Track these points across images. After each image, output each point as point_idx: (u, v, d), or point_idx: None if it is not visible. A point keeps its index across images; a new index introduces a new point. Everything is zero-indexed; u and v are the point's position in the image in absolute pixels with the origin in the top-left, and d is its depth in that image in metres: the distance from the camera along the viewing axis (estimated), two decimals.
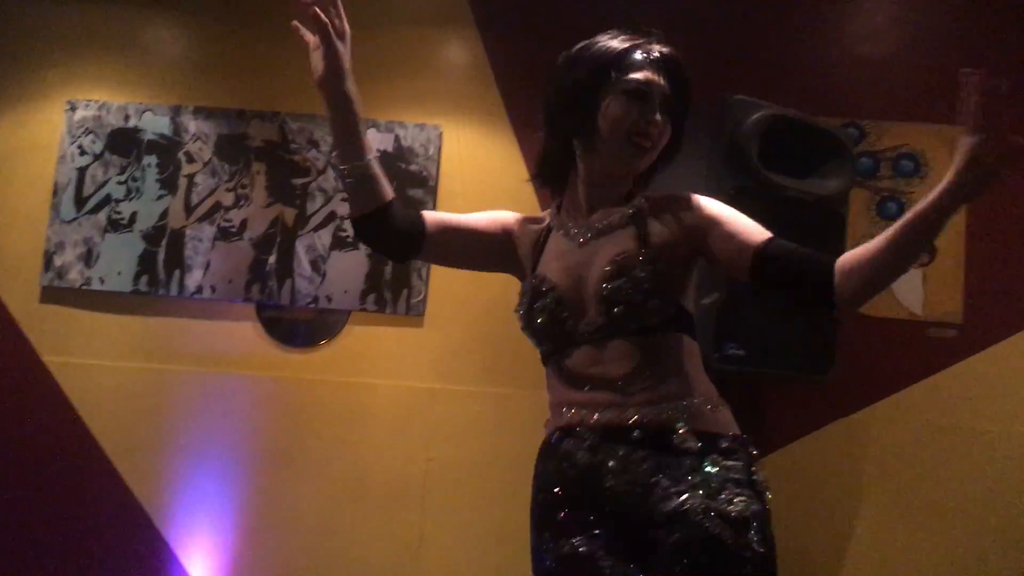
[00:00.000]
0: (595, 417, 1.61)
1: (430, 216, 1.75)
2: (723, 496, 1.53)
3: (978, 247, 3.53)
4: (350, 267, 3.64)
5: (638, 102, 1.64)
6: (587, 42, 1.75)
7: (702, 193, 1.77)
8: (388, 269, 3.62)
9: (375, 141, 3.67)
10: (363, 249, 3.63)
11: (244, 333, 3.67)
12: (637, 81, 1.65)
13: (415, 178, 3.67)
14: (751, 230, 1.66)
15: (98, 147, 3.75)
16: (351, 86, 1.73)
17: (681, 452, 1.56)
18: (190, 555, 3.55)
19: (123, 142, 3.75)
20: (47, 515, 3.58)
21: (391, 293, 3.62)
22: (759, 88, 3.07)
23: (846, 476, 3.48)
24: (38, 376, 3.64)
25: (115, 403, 3.65)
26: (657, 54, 1.69)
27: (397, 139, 3.69)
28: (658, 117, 1.65)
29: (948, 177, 1.35)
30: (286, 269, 3.65)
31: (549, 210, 1.84)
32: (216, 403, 3.63)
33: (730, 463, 1.57)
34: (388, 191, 1.70)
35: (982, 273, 3.51)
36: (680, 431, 1.57)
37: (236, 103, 3.75)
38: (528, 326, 1.69)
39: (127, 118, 3.76)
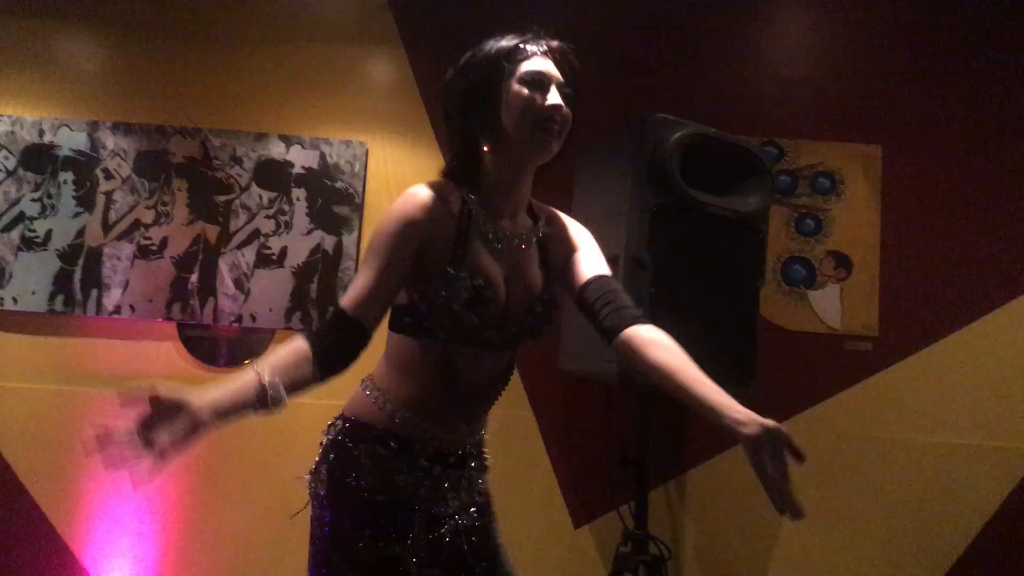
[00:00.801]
0: (448, 442, 1.78)
1: (362, 310, 1.65)
2: (476, 497, 1.82)
3: (892, 262, 3.65)
4: (274, 285, 3.59)
5: (538, 91, 1.70)
6: (475, 48, 1.80)
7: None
8: (313, 287, 3.58)
9: (300, 158, 3.64)
10: (288, 267, 3.59)
11: (165, 353, 3.58)
12: (534, 71, 1.71)
13: (341, 195, 3.64)
14: (595, 262, 1.86)
15: (11, 163, 3.64)
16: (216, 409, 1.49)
17: (468, 463, 1.82)
18: None
19: (37, 158, 3.64)
20: None
21: (317, 311, 3.58)
22: (680, 107, 3.12)
23: None
24: None
25: (29, 426, 3.52)
26: (546, 47, 1.75)
27: (323, 156, 3.66)
28: (560, 102, 1.70)
29: (742, 430, 1.56)
30: (209, 287, 3.58)
31: (448, 185, 1.77)
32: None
33: (479, 473, 1.86)
34: (306, 370, 1.64)
35: (896, 288, 3.63)
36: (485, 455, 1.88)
37: (156, 119, 3.68)
38: (451, 319, 1.66)
39: (42, 133, 3.66)
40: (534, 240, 1.83)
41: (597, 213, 3.05)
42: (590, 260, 1.85)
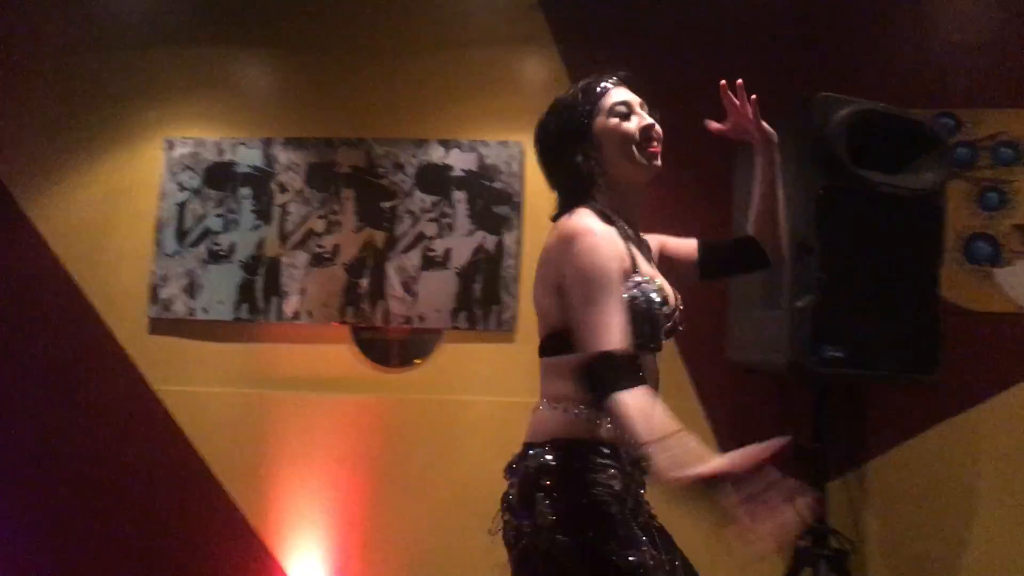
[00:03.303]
0: None
1: (624, 342, 1.66)
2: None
3: None
4: (440, 286, 3.69)
5: (628, 118, 1.84)
6: (555, 102, 1.92)
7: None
8: (477, 287, 3.66)
9: (459, 161, 3.73)
10: (452, 268, 3.69)
11: (341, 355, 3.75)
12: (618, 101, 1.84)
13: (500, 196, 3.70)
14: (682, 239, 2.05)
15: (196, 182, 3.90)
16: None
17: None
18: (296, 570, 3.64)
19: (219, 176, 3.90)
20: (159, 534, 3.74)
21: (482, 310, 3.65)
22: (845, 84, 3.00)
23: (955, 478, 3.36)
24: (150, 405, 3.81)
25: (222, 427, 3.78)
26: (617, 77, 1.89)
27: (480, 158, 3.73)
28: (652, 121, 1.85)
29: (760, 139, 1.99)
30: (378, 291, 3.73)
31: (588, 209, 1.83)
32: (317, 424, 3.72)
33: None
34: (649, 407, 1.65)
35: None
36: None
37: (324, 132, 3.86)
38: (651, 321, 1.75)
39: (221, 152, 3.91)
40: (652, 253, 1.96)
41: None
42: (680, 240, 2.05)
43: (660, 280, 1.80)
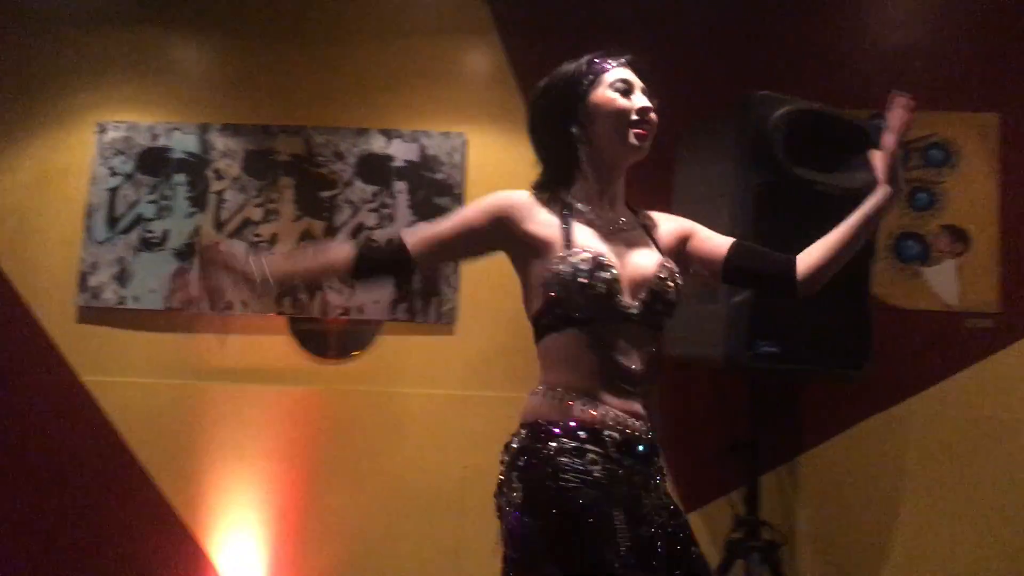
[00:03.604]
0: (628, 426, 1.75)
1: (411, 236, 1.86)
2: (664, 499, 1.80)
3: (1013, 234, 3.48)
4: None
5: (626, 96, 1.83)
6: (557, 69, 1.91)
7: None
8: (417, 278, 3.64)
9: (401, 151, 3.70)
10: None
11: (277, 346, 3.70)
12: (620, 78, 1.84)
13: (441, 186, 3.68)
14: (719, 236, 1.95)
15: (128, 167, 3.80)
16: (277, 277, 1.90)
17: (654, 459, 1.81)
18: (228, 565, 3.58)
19: (153, 162, 3.80)
20: (88, 529, 3.63)
21: (421, 302, 3.63)
22: (784, 83, 3.05)
23: (885, 471, 3.45)
24: (77, 395, 3.70)
25: (152, 419, 3.69)
26: (625, 58, 1.88)
27: (422, 148, 3.71)
28: (649, 104, 1.83)
29: (884, 186, 1.88)
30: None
31: (542, 191, 1.90)
32: (252, 416, 3.66)
33: (660, 475, 1.83)
34: (339, 255, 1.88)
35: (1018, 261, 3.46)
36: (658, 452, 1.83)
37: (262, 119, 3.79)
38: (582, 292, 1.74)
39: (155, 138, 3.81)
40: (638, 227, 1.91)
41: (699, 195, 3.01)
42: (713, 236, 1.95)
43: (599, 252, 1.76)
